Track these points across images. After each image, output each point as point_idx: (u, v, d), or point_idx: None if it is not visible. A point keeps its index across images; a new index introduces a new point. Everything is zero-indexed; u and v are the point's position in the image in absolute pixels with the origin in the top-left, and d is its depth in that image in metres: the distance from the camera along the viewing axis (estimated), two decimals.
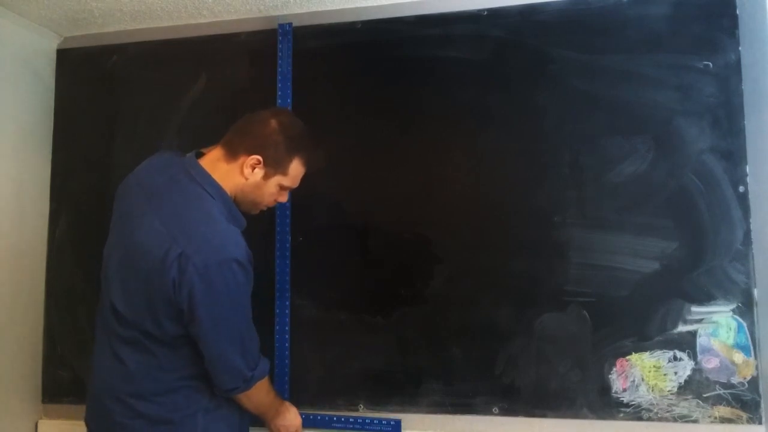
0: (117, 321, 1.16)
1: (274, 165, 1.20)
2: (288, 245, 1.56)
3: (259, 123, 1.21)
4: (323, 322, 1.54)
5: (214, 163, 1.20)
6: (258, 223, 1.56)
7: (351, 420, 1.49)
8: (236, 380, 1.17)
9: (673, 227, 1.39)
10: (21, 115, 1.66)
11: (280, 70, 1.60)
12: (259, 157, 1.18)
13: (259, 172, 1.20)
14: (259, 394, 1.23)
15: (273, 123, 1.20)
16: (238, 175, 1.19)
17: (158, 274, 1.09)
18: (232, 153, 1.20)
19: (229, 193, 1.20)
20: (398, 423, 1.47)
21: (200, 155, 1.25)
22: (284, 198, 1.30)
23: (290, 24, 1.62)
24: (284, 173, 1.23)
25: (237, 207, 1.23)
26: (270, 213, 1.56)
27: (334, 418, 1.50)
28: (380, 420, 1.48)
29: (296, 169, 1.24)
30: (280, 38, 1.62)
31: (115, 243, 1.21)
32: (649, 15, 1.43)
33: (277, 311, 1.54)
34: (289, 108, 1.58)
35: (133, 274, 1.14)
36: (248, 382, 1.18)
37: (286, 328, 1.54)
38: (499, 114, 1.50)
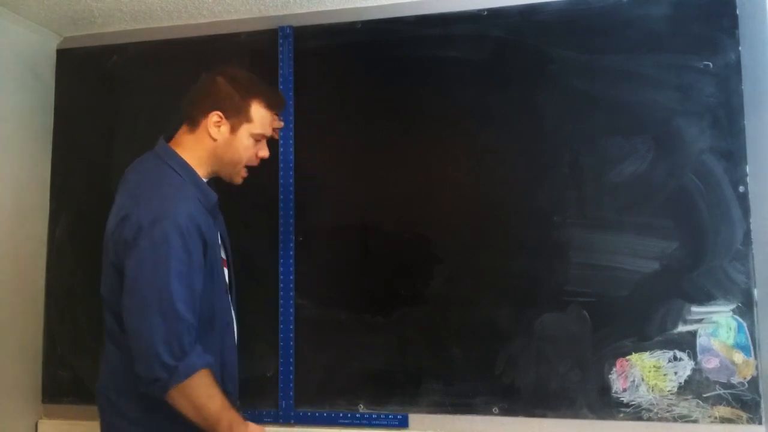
0: (105, 312, 1.16)
1: (236, 114, 1.18)
2: (292, 245, 1.56)
3: (206, 83, 1.20)
4: (323, 322, 1.54)
5: (180, 138, 1.20)
6: (261, 222, 1.56)
7: (357, 416, 1.49)
8: (154, 369, 1.00)
9: (673, 227, 1.39)
10: (21, 115, 1.66)
11: (281, 72, 1.60)
12: (218, 112, 1.16)
13: (225, 128, 1.17)
14: (192, 396, 1.02)
15: (219, 79, 1.19)
16: (207, 139, 1.17)
17: (113, 245, 1.09)
18: (192, 121, 1.18)
19: (202, 165, 1.18)
20: (405, 417, 1.47)
21: (170, 139, 1.23)
22: (264, 151, 1.25)
23: (291, 27, 1.62)
24: (249, 120, 1.19)
25: (220, 177, 1.22)
26: (273, 212, 1.57)
27: (340, 415, 1.50)
28: (387, 415, 1.48)
29: (259, 112, 1.20)
30: (281, 41, 1.62)
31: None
32: (649, 15, 1.43)
33: (281, 311, 1.55)
34: (291, 109, 1.58)
35: (105, 257, 1.14)
36: (171, 376, 1.00)
37: (291, 327, 1.54)
38: (499, 114, 1.50)
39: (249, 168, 1.26)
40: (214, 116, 1.16)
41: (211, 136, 1.17)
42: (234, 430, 1.06)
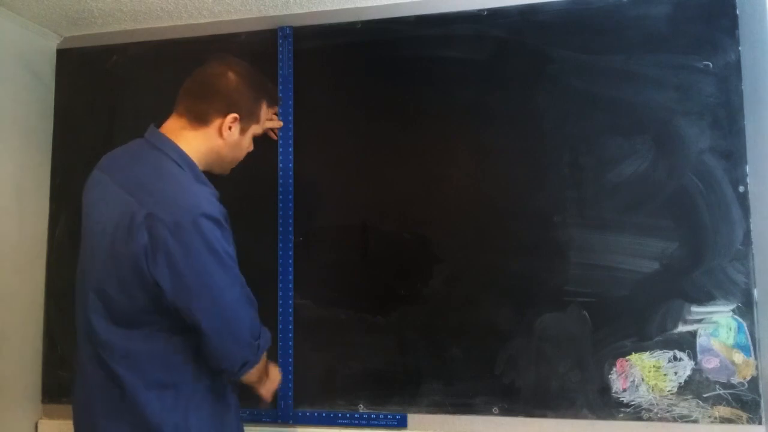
0: (94, 320, 1.08)
1: (248, 117, 1.20)
2: (291, 245, 1.56)
3: (218, 79, 1.17)
4: (323, 322, 1.54)
5: (178, 132, 1.15)
6: (260, 222, 1.56)
7: (356, 416, 1.49)
8: (246, 353, 1.07)
9: (673, 227, 1.39)
10: (21, 115, 1.66)
11: (281, 72, 1.60)
12: (236, 115, 1.16)
13: (236, 130, 1.18)
14: (259, 364, 1.15)
15: (231, 76, 1.17)
16: (215, 138, 1.16)
17: (124, 244, 1.01)
18: (200, 118, 1.15)
19: (199, 159, 1.15)
20: (404, 417, 1.47)
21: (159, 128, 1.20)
22: (252, 147, 1.28)
23: (290, 27, 1.62)
24: (257, 122, 1.23)
25: (211, 171, 1.20)
26: (272, 212, 1.57)
27: (339, 415, 1.50)
28: (385, 415, 1.48)
29: (264, 112, 1.26)
30: (280, 41, 1.62)
31: (82, 251, 1.13)
32: (649, 15, 1.43)
33: (281, 311, 1.54)
34: (291, 109, 1.58)
35: (108, 247, 1.05)
36: (257, 354, 1.09)
37: (290, 327, 1.54)
38: (499, 114, 1.50)
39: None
40: (232, 117, 1.16)
41: (222, 137, 1.16)
42: (266, 379, 1.23)
